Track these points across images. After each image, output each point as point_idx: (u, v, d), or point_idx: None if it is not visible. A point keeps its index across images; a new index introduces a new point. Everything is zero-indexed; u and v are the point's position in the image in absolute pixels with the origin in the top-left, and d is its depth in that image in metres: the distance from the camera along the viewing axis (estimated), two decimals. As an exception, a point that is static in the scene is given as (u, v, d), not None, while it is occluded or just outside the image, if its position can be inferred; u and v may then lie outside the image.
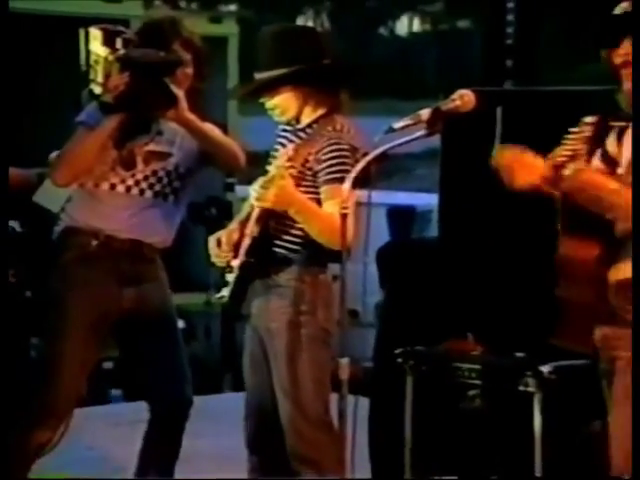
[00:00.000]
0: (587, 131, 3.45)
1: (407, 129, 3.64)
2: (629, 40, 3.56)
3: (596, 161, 3.66)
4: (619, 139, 3.68)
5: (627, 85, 3.60)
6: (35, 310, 4.95)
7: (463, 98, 3.64)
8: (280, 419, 4.32)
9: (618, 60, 3.60)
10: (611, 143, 3.68)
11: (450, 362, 4.94)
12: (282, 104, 4.26)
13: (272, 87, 4.24)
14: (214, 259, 4.32)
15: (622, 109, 3.65)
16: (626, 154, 3.65)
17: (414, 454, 4.91)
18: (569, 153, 3.30)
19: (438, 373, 4.95)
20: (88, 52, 4.80)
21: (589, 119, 3.54)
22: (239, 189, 7.76)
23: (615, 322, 3.63)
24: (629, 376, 3.59)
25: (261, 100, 4.31)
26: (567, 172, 3.31)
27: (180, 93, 4.62)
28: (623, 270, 3.57)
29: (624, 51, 3.58)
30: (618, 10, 3.61)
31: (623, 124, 3.66)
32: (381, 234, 5.34)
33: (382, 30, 26.27)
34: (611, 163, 3.67)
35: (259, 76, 4.29)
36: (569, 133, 3.50)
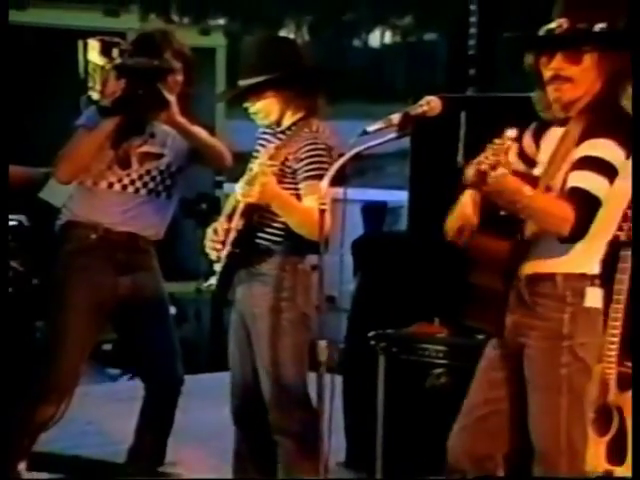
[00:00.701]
0: (508, 143, 3.45)
1: (379, 132, 3.62)
2: (561, 56, 3.50)
3: (514, 158, 3.60)
4: (535, 139, 3.66)
5: (553, 95, 3.54)
6: (40, 295, 4.95)
7: (430, 104, 3.63)
8: (262, 395, 4.32)
9: (548, 73, 3.54)
10: (527, 142, 3.67)
11: (418, 343, 4.97)
12: (265, 108, 4.26)
13: (256, 91, 4.23)
14: (209, 248, 4.31)
15: (540, 115, 3.62)
16: (542, 157, 3.62)
17: (386, 428, 4.92)
18: (491, 162, 3.28)
19: (407, 354, 4.96)
20: (87, 61, 4.80)
21: (510, 133, 3.43)
22: (227, 186, 7.75)
23: (525, 312, 3.59)
24: (539, 364, 3.56)
25: (245, 105, 4.31)
26: (490, 178, 3.28)
27: (171, 98, 4.62)
28: (532, 266, 3.56)
29: (554, 65, 3.52)
30: (554, 25, 3.53)
31: (538, 125, 3.64)
32: (355, 227, 5.35)
33: (357, 41, 26.32)
34: (528, 162, 3.66)
35: (243, 82, 4.29)
36: (493, 142, 3.42)
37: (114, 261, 4.68)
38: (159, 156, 4.73)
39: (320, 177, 3.91)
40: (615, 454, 4.08)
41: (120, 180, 4.69)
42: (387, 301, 5.30)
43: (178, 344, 4.84)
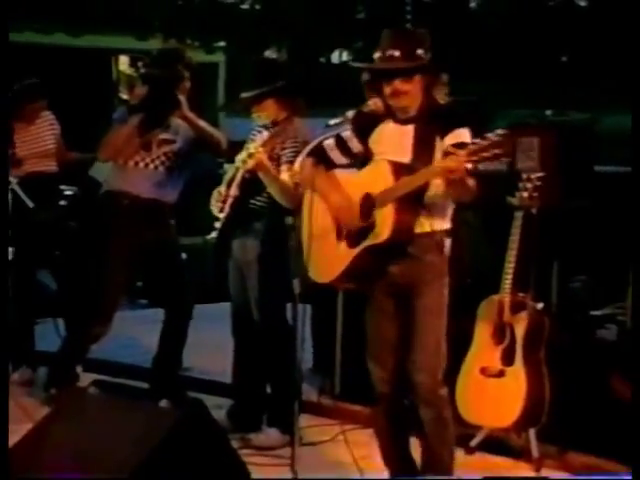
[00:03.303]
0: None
1: (339, 125, 3.60)
2: (399, 78, 3.45)
3: (330, 146, 3.57)
4: (357, 133, 3.57)
5: (394, 104, 3.49)
6: (88, 246, 4.97)
7: (377, 103, 3.63)
8: (253, 317, 4.36)
9: (388, 90, 3.47)
10: (348, 134, 3.58)
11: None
12: (264, 111, 4.29)
13: (257, 100, 4.27)
14: (213, 206, 4.31)
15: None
16: (379, 141, 3.53)
17: (343, 343, 4.93)
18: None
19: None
20: (119, 72, 4.82)
21: (351, 113, 3.49)
22: (226, 166, 7.72)
23: (412, 261, 3.49)
24: (427, 296, 3.48)
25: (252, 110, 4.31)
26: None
27: (182, 99, 4.63)
28: (421, 225, 3.47)
29: (395, 85, 3.45)
30: (388, 53, 3.47)
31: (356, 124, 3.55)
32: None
33: (322, 59, 26.25)
34: (345, 151, 3.59)
35: (245, 95, 4.29)
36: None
37: (141, 220, 4.68)
38: (172, 142, 4.72)
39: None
40: (507, 358, 4.12)
41: (144, 160, 4.70)
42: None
43: (188, 280, 4.84)
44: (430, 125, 3.47)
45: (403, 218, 3.45)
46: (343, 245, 3.56)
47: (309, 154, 3.62)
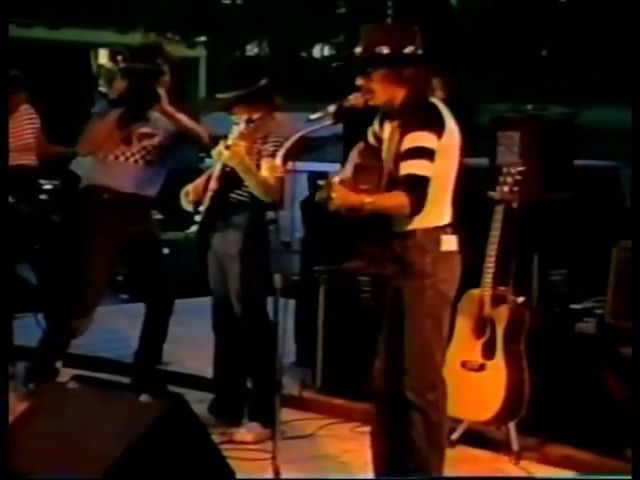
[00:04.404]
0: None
1: (320, 119, 3.60)
2: (361, 75, 3.42)
3: (371, 137, 3.58)
4: (380, 123, 3.55)
5: (368, 101, 3.45)
6: (68, 240, 4.95)
7: (357, 98, 3.61)
8: (234, 312, 4.34)
9: (359, 81, 3.45)
10: (376, 125, 3.57)
11: (349, 275, 4.98)
12: (242, 112, 4.28)
13: (232, 104, 4.28)
14: (183, 204, 4.31)
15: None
16: (384, 135, 3.50)
17: (324, 338, 4.92)
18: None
19: (343, 283, 4.97)
20: (98, 65, 4.79)
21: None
22: (207, 161, 7.70)
23: (398, 261, 3.46)
24: (411, 298, 3.43)
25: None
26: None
27: (162, 92, 4.61)
28: (399, 225, 3.42)
29: (359, 82, 3.44)
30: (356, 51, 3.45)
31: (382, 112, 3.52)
32: (303, 191, 5.33)
33: (304, 54, 26.19)
34: (378, 140, 3.58)
35: (220, 96, 4.30)
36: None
37: (122, 214, 4.65)
38: (152, 136, 4.70)
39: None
40: (488, 352, 4.14)
41: (124, 154, 4.67)
42: (327, 245, 5.30)
43: (169, 275, 4.84)
44: (400, 124, 3.40)
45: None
46: None
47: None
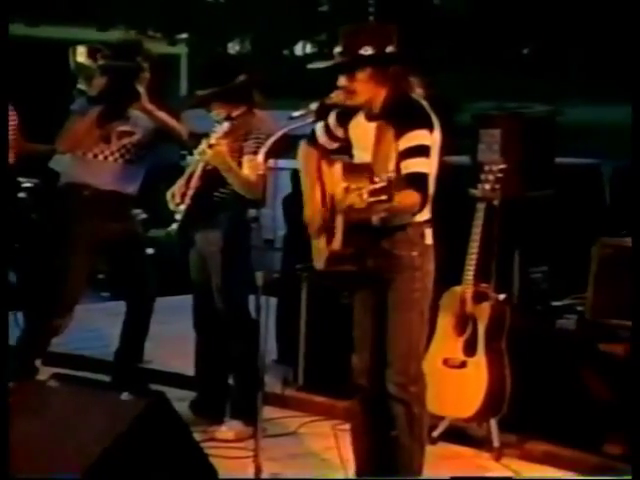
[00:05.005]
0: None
1: (302, 117, 3.59)
2: (342, 76, 3.43)
3: (320, 132, 3.58)
4: (339, 119, 3.56)
5: (348, 102, 3.45)
6: (48, 238, 4.92)
7: (339, 96, 3.60)
8: (216, 308, 4.33)
9: (342, 81, 3.45)
10: (333, 123, 3.59)
11: (331, 273, 4.96)
12: (220, 109, 4.27)
13: (209, 101, 4.28)
14: (170, 205, 4.31)
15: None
16: (352, 136, 3.50)
17: (306, 334, 4.91)
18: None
19: (323, 280, 4.96)
20: (77, 63, 4.78)
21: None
22: (189, 158, 7.69)
23: (385, 255, 3.46)
24: (400, 290, 3.44)
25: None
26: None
27: (142, 90, 4.60)
28: (382, 220, 3.41)
29: (340, 82, 3.44)
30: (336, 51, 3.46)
31: (340, 110, 3.52)
32: (285, 188, 5.33)
33: (286, 51, 26.18)
34: (332, 138, 3.59)
35: (200, 93, 4.30)
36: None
37: (102, 212, 4.63)
38: (132, 134, 4.68)
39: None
40: (469, 349, 4.15)
41: (103, 152, 4.66)
42: (309, 242, 5.30)
43: (151, 273, 4.82)
44: (390, 124, 3.40)
45: (343, 249, 3.39)
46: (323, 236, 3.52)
47: (307, 139, 3.61)
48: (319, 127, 3.62)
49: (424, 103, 3.46)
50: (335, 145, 3.62)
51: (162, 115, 4.65)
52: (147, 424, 3.02)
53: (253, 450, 3.57)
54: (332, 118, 3.60)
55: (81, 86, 4.73)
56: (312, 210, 3.57)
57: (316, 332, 4.91)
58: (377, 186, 3.12)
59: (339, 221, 3.42)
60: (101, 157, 4.67)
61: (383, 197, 3.11)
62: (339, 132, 3.60)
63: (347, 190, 3.24)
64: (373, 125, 3.46)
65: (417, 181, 3.32)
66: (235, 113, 4.28)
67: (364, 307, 3.59)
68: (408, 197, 3.30)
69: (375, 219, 3.38)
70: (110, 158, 4.67)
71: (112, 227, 4.66)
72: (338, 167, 3.45)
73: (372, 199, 3.11)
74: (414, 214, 3.41)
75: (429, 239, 3.50)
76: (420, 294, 3.48)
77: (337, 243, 3.44)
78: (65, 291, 4.64)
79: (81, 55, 4.74)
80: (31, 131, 5.41)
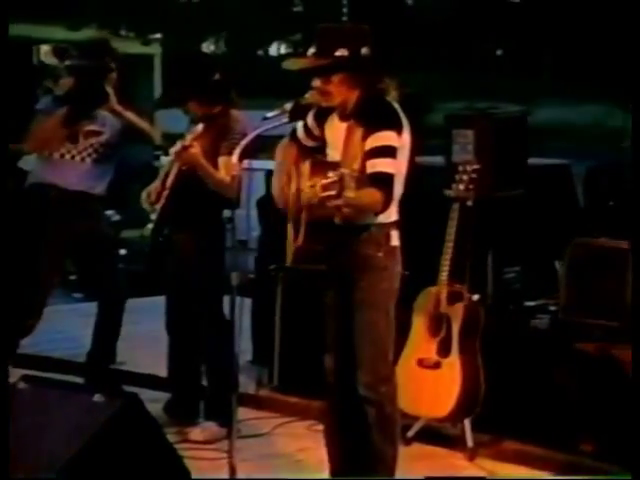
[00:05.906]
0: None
1: (277, 117, 3.59)
2: (317, 77, 3.43)
3: (300, 130, 3.59)
4: (316, 118, 3.58)
5: (322, 103, 3.46)
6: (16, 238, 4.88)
7: (314, 96, 3.59)
8: (189, 308, 4.32)
9: (317, 83, 3.45)
10: (311, 123, 3.60)
11: (305, 273, 4.95)
12: (195, 108, 4.26)
13: (183, 99, 4.26)
14: (144, 205, 4.29)
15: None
16: (328, 136, 3.51)
17: (281, 335, 4.91)
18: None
19: (298, 280, 4.96)
20: (40, 62, 4.75)
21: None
22: (163, 158, 7.66)
23: (351, 254, 3.44)
24: (366, 290, 3.43)
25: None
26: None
27: (110, 91, 4.57)
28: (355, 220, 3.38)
29: (315, 84, 3.44)
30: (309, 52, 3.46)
31: (318, 109, 3.53)
32: (259, 189, 5.32)
33: (260, 52, 26.14)
34: (312, 138, 3.60)
35: (174, 92, 4.31)
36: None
37: (70, 212, 4.61)
38: (99, 133, 4.67)
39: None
40: (443, 349, 4.16)
41: (70, 152, 4.63)
42: (283, 243, 5.29)
43: (120, 273, 4.80)
44: (359, 124, 3.39)
45: (308, 245, 3.40)
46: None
47: (289, 136, 3.60)
48: (300, 125, 3.63)
49: (396, 105, 3.46)
50: (312, 143, 3.62)
51: (131, 115, 4.62)
52: (120, 426, 2.99)
53: (227, 451, 3.55)
54: (310, 117, 3.61)
55: (49, 85, 4.69)
56: (284, 203, 3.56)
57: (291, 332, 4.91)
58: (329, 181, 3.13)
59: (303, 217, 3.43)
60: (68, 157, 4.64)
61: (332, 192, 3.11)
62: (316, 131, 3.61)
63: (313, 187, 3.26)
64: (345, 125, 3.47)
65: (380, 181, 3.32)
66: (212, 111, 4.26)
67: (330, 306, 3.59)
68: (369, 195, 3.30)
69: (337, 217, 3.36)
70: (77, 158, 4.64)
71: (80, 227, 4.63)
72: (307, 164, 3.46)
73: (324, 194, 3.13)
74: (377, 214, 3.40)
75: (395, 240, 3.50)
76: (386, 294, 3.47)
77: (301, 238, 3.44)
78: (33, 292, 4.62)
79: (45, 54, 4.72)
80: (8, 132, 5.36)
